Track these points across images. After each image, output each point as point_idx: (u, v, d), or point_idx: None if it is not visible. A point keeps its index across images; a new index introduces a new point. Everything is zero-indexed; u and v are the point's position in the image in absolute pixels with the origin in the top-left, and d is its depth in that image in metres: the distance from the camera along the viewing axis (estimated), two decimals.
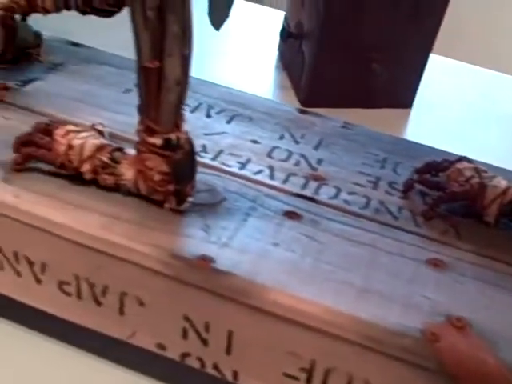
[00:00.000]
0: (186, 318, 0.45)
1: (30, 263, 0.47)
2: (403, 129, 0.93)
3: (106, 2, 0.57)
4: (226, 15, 0.56)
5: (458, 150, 0.58)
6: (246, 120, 0.59)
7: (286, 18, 0.99)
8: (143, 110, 0.43)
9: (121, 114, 0.56)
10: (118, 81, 0.61)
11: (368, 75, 0.91)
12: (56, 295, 0.48)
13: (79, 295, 0.47)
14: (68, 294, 0.48)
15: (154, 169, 0.44)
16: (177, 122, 0.43)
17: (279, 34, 0.99)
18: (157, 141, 0.43)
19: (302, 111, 0.63)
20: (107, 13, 0.59)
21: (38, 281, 0.48)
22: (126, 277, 0.45)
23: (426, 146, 0.61)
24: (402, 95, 0.95)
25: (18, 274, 0.48)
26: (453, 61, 1.13)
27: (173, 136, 0.43)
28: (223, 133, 0.57)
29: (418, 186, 0.54)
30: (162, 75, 0.41)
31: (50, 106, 0.56)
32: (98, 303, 0.47)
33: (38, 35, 0.63)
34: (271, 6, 1.03)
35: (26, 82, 0.59)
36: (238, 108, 0.61)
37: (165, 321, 0.46)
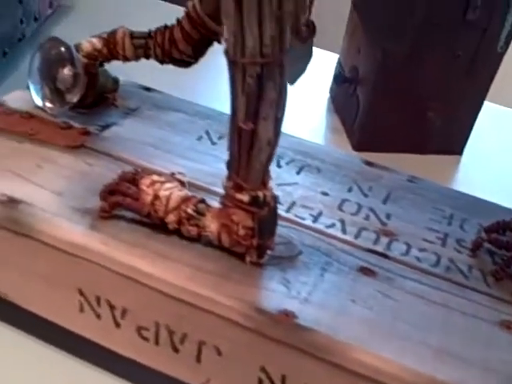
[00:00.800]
0: (263, 370, 0.46)
1: (112, 307, 0.49)
2: (453, 176, 0.94)
3: (184, 53, 0.59)
4: (303, 70, 0.57)
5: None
6: (314, 171, 0.61)
7: (339, 62, 1.01)
8: (233, 166, 0.45)
9: (195, 162, 0.58)
10: (189, 128, 0.63)
11: (421, 122, 0.92)
12: (134, 340, 0.49)
13: (157, 341, 0.49)
14: (146, 339, 0.49)
15: (239, 223, 0.46)
16: (264, 179, 0.45)
17: (333, 78, 1.01)
18: (244, 197, 0.45)
19: (368, 163, 0.64)
20: (185, 63, 0.61)
21: (117, 325, 0.49)
22: (206, 326, 0.46)
23: (491, 203, 0.62)
24: (453, 142, 0.96)
25: (98, 316, 0.50)
26: (505, 108, 1.14)
27: (260, 193, 0.45)
28: (294, 184, 0.58)
29: (486, 245, 0.55)
30: (255, 136, 0.43)
31: (128, 151, 0.58)
32: (176, 350, 0.48)
33: (115, 81, 0.65)
34: (322, 47, 1.05)
35: (104, 127, 0.61)
36: (306, 158, 0.63)
37: (241, 371, 0.47)
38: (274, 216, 0.47)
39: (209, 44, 0.60)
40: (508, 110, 1.14)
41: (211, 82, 0.94)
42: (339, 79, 0.98)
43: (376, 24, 0.92)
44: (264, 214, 0.45)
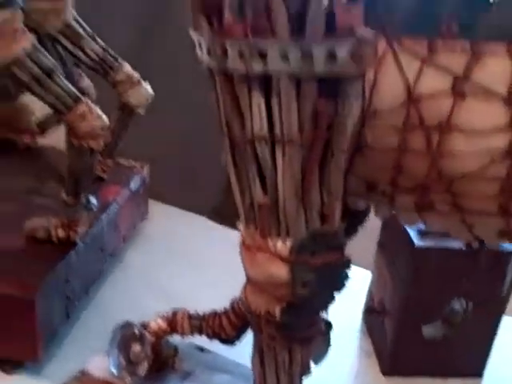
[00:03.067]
0: None
1: None
2: None
3: (229, 336, 0.76)
4: (326, 353, 0.72)
5: None
6: None
7: (370, 292, 1.16)
8: None
9: None
10: None
11: (443, 349, 1.05)
12: None
13: None
14: None
15: None
16: None
17: (364, 306, 1.15)
18: None
19: None
20: (229, 342, 0.77)
21: None
22: None
23: None
24: (473, 365, 1.07)
25: None
26: None
27: None
28: None
29: None
30: None
31: None
32: None
33: (175, 348, 0.82)
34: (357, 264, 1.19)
35: None
36: None
37: None
38: None
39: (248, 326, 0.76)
40: None
41: None
42: (369, 309, 1.13)
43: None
44: None
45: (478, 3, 0.57)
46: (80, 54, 1.12)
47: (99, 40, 1.13)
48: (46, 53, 0.98)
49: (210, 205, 1.32)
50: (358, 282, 1.20)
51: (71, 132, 1.00)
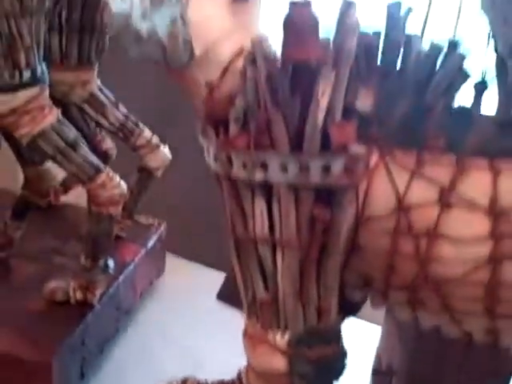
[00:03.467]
0: None
1: None
2: None
3: None
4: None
5: None
6: None
7: (378, 353, 1.19)
8: None
9: None
10: None
11: None
12: None
13: None
14: None
15: None
16: None
17: (372, 368, 1.18)
18: None
19: None
20: None
21: None
22: None
23: None
24: None
25: None
26: None
27: None
28: None
29: None
30: None
31: None
32: None
33: None
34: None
35: None
36: None
37: None
38: None
39: None
40: None
41: None
42: (376, 371, 1.15)
43: None
44: None
45: (462, 120, 0.61)
46: (103, 121, 1.18)
47: (121, 107, 1.19)
48: (69, 124, 1.04)
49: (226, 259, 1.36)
50: (370, 338, 1.21)
51: (91, 199, 1.05)
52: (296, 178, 0.60)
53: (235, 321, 1.27)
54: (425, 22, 0.79)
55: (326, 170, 0.60)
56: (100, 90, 1.17)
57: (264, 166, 0.61)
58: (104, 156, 1.20)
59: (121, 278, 1.17)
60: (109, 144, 1.24)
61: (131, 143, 1.21)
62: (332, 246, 0.63)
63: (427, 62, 0.66)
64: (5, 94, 0.97)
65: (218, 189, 0.68)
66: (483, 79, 0.70)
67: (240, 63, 0.67)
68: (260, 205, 0.63)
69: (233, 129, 0.63)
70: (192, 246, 1.46)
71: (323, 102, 0.58)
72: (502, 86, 0.87)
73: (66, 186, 1.31)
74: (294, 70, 0.59)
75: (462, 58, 0.66)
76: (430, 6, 0.87)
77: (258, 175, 0.62)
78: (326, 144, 0.60)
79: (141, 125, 1.21)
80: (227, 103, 0.63)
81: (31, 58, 0.97)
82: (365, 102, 0.60)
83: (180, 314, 1.30)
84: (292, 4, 0.59)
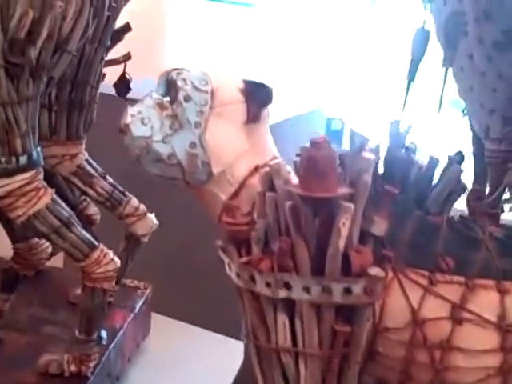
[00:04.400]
0: None
1: None
2: None
3: None
4: None
5: None
6: None
7: None
8: None
9: None
10: None
11: None
12: None
13: None
14: None
15: None
16: None
17: None
18: None
19: None
20: None
21: None
22: None
23: None
24: None
25: None
26: None
27: None
28: None
29: None
30: None
31: None
32: None
33: None
34: None
35: None
36: None
37: None
38: None
39: None
40: None
41: None
42: None
43: None
44: None
45: (468, 240, 0.67)
46: (91, 192, 1.19)
47: (109, 177, 1.20)
48: (62, 202, 1.05)
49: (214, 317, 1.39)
50: None
51: (85, 275, 1.06)
52: (319, 297, 0.64)
53: (220, 376, 1.31)
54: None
55: (348, 291, 0.63)
56: (87, 161, 1.18)
57: (287, 286, 0.65)
58: (88, 222, 1.22)
59: (111, 345, 1.18)
60: (92, 210, 1.25)
61: (119, 212, 1.22)
62: (353, 357, 0.66)
63: (427, 175, 0.71)
64: (1, 178, 0.97)
65: (238, 299, 0.71)
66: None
67: (254, 180, 0.72)
68: (282, 318, 0.67)
69: (255, 250, 0.66)
70: (177, 304, 1.48)
71: (344, 231, 0.62)
72: (478, 162, 0.94)
73: (51, 253, 1.31)
74: (315, 201, 0.63)
75: (460, 171, 0.71)
76: None
77: (281, 293, 0.65)
78: (345, 268, 0.64)
79: (128, 194, 1.22)
80: (247, 224, 0.67)
81: (27, 143, 0.98)
82: (379, 227, 0.64)
83: (166, 373, 1.32)
84: (313, 143, 0.62)
